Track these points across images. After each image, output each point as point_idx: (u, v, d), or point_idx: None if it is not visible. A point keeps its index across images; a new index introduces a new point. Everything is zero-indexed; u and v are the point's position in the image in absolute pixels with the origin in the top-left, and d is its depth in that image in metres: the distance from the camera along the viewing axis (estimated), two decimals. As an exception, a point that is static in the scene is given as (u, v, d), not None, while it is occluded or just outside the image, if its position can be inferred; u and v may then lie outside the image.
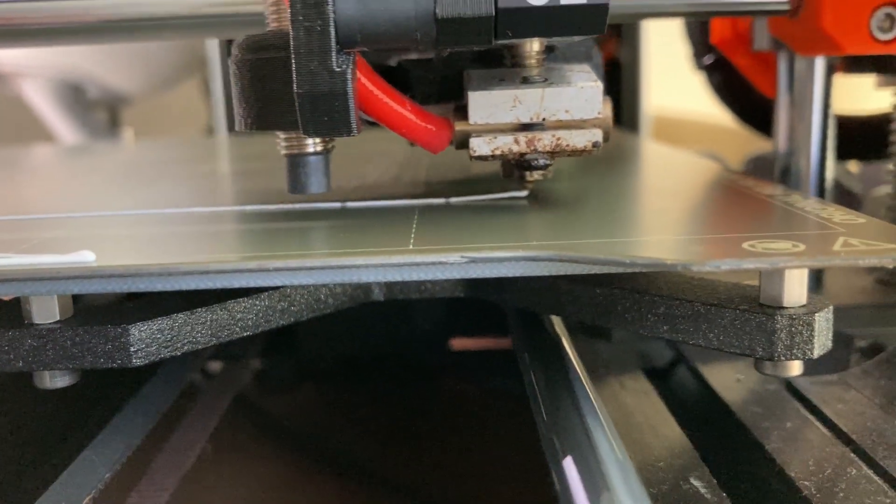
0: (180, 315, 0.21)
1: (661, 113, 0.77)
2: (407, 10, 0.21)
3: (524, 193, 0.27)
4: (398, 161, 0.39)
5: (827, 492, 0.20)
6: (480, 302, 0.26)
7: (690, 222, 0.22)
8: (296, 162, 0.25)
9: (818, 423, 0.24)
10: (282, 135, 0.24)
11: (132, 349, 0.20)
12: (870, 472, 0.21)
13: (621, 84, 0.67)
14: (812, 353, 0.18)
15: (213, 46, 0.59)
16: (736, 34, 0.39)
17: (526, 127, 0.24)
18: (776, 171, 0.36)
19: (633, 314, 0.21)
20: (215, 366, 0.37)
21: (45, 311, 0.21)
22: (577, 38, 0.25)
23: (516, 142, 0.24)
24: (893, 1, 0.28)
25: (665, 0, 0.31)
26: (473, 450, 0.32)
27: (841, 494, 0.20)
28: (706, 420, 0.26)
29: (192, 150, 0.51)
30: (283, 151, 0.25)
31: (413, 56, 0.28)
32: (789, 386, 0.26)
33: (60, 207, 0.29)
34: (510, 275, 0.19)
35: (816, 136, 0.33)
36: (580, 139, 0.24)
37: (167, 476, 0.28)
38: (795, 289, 0.19)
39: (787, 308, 0.19)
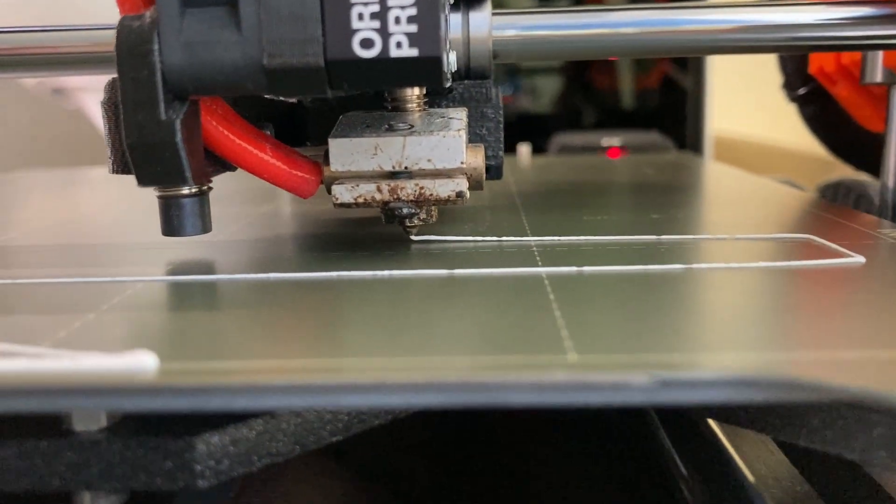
0: (258, 421, 0.17)
1: (721, 135, 0.75)
2: (235, 59, 0.20)
3: (862, 260, 0.22)
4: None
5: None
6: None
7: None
8: (169, 204, 0.25)
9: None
10: (154, 176, 0.25)
11: (198, 468, 0.16)
12: None
13: (686, 108, 0.70)
14: None
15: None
16: (839, 66, 0.37)
17: (394, 175, 0.24)
18: (881, 205, 0.34)
19: (836, 431, 0.16)
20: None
21: (89, 416, 0.16)
22: (473, 83, 0.27)
23: (379, 190, 0.24)
24: None
25: (777, 34, 0.29)
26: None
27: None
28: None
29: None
30: (157, 194, 0.25)
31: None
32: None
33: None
34: (715, 401, 0.14)
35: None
36: (444, 189, 0.24)
37: None
38: None
39: None
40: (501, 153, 0.29)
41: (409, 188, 0.24)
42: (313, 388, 0.14)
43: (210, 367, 0.16)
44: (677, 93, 0.80)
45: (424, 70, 0.21)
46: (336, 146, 0.24)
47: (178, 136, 0.21)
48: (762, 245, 0.25)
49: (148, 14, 0.21)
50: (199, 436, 0.16)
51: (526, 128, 0.90)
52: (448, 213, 0.34)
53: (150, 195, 0.25)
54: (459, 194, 0.24)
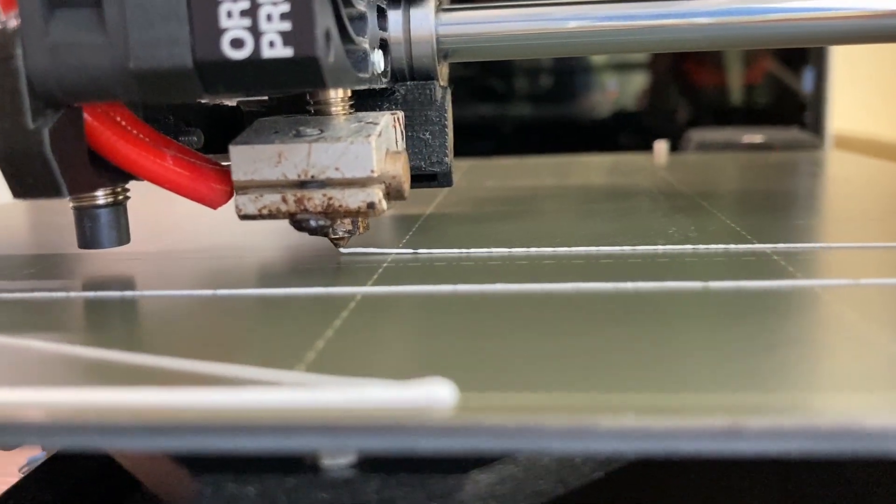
0: (521, 457, 0.15)
1: (841, 133, 0.75)
2: (101, 62, 0.19)
3: None
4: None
5: None
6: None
7: None
8: (83, 215, 0.24)
9: None
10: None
11: None
12: None
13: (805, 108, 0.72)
14: None
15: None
16: None
17: (303, 184, 0.22)
18: None
19: None
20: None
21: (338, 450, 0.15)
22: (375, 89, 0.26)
23: (284, 200, 0.23)
24: None
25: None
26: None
27: None
28: None
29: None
30: (71, 205, 0.24)
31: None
32: None
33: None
34: None
35: None
36: (353, 199, 0.22)
37: None
38: None
39: None
40: (447, 159, 0.27)
41: (316, 199, 0.22)
42: (665, 432, 0.12)
43: (510, 400, 0.13)
44: (781, 89, 0.79)
45: (302, 71, 0.19)
46: (237, 153, 0.23)
47: (47, 146, 0.20)
48: None
49: (13, 15, 0.20)
50: (468, 473, 0.15)
51: (630, 126, 0.87)
52: (639, 216, 0.30)
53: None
54: (371, 205, 0.22)
